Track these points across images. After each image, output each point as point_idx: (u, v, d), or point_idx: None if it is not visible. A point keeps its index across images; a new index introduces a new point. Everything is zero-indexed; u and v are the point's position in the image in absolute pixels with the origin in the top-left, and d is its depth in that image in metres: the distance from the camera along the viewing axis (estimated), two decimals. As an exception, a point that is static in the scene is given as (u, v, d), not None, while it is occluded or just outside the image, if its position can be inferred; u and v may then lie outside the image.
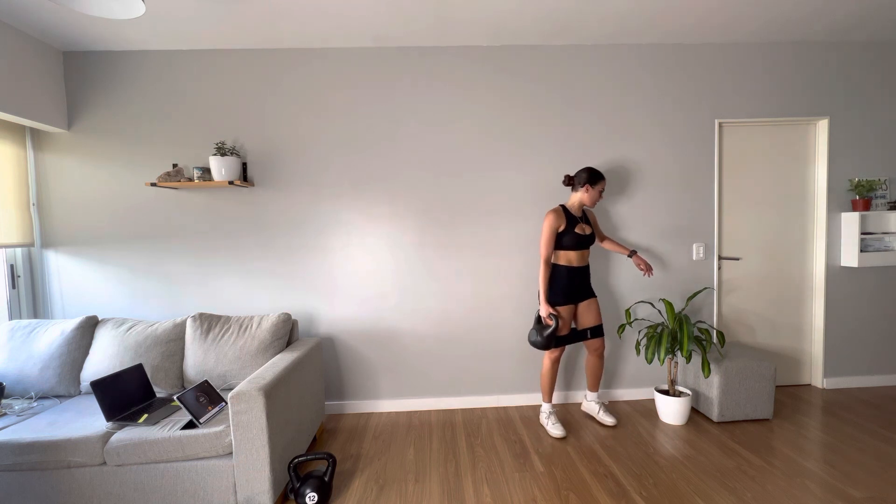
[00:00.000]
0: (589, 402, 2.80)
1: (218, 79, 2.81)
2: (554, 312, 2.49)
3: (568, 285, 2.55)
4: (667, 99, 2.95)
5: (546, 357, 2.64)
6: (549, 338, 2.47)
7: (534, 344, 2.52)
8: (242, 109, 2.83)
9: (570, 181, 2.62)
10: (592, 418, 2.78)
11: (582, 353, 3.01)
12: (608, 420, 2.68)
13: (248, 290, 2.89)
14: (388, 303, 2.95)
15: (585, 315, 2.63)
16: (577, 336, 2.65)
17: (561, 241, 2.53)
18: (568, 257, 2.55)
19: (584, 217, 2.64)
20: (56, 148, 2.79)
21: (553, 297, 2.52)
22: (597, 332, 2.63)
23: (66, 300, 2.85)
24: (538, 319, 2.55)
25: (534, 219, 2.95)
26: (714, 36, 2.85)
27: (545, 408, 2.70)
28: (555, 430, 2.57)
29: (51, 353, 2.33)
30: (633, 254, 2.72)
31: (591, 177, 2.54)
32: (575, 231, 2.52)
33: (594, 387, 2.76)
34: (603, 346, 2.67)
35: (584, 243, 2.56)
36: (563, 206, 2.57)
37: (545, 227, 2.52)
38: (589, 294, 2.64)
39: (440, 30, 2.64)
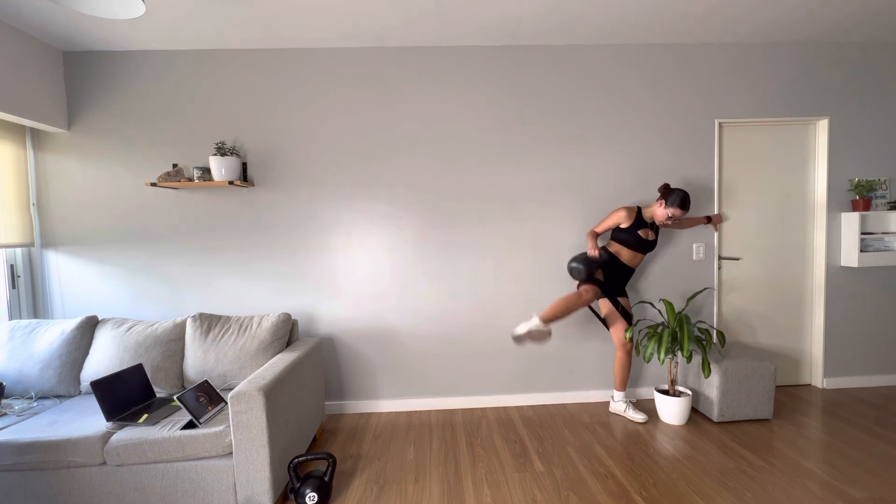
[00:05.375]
0: (616, 403, 2.82)
1: (218, 79, 2.81)
2: (601, 249, 2.62)
3: (606, 272, 2.65)
4: (667, 99, 2.95)
5: (579, 290, 2.59)
6: (592, 264, 2.55)
7: (574, 270, 2.59)
8: (242, 109, 2.83)
9: (663, 189, 2.60)
10: (621, 417, 2.79)
11: (589, 353, 3.02)
12: (638, 417, 2.71)
13: (249, 289, 2.89)
14: (387, 303, 2.95)
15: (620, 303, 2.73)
16: (610, 293, 2.67)
17: (619, 234, 2.64)
18: (618, 251, 2.66)
19: (654, 224, 2.67)
20: (56, 148, 2.79)
21: (594, 258, 2.60)
22: (627, 315, 2.70)
23: (66, 300, 2.85)
24: (582, 253, 2.65)
25: (533, 219, 2.95)
26: (714, 36, 2.85)
27: (536, 321, 2.52)
28: (527, 325, 2.52)
29: (51, 353, 2.33)
30: (709, 220, 2.93)
31: (671, 197, 2.54)
32: (637, 232, 2.60)
33: (622, 385, 2.79)
34: (631, 342, 2.72)
35: (639, 247, 2.62)
36: (638, 208, 2.65)
37: (610, 216, 2.64)
38: (622, 293, 2.74)
39: (440, 30, 2.64)
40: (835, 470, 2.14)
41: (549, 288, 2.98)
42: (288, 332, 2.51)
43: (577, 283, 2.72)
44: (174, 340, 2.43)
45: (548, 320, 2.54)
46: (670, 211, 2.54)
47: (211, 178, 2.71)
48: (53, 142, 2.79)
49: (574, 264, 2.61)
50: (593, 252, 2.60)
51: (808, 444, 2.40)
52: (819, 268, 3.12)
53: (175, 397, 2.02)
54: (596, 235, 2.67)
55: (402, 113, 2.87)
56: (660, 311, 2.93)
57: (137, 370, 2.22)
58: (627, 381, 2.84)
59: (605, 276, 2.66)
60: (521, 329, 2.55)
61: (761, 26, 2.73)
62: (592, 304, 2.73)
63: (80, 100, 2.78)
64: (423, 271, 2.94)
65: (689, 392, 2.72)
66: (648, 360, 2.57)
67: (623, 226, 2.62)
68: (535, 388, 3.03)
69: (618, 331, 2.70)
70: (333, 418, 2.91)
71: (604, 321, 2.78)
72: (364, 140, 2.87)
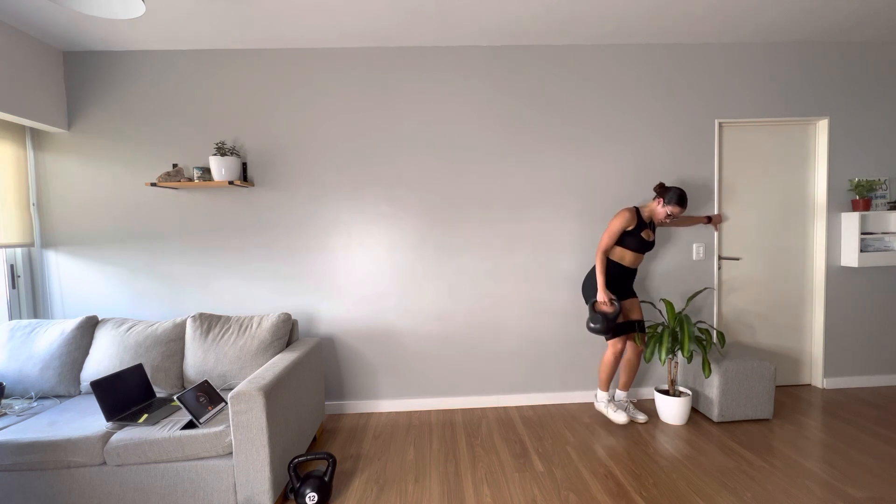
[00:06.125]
0: (614, 400, 2.81)
1: (218, 79, 2.81)
2: (613, 297, 2.55)
3: (611, 281, 2.62)
4: (667, 99, 2.95)
5: (610, 350, 2.65)
6: (612, 321, 2.52)
7: (595, 331, 2.55)
8: (242, 109, 2.83)
9: (659, 188, 2.61)
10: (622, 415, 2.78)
11: (590, 353, 3.02)
12: (639, 417, 2.71)
13: (249, 289, 2.89)
14: (387, 303, 2.95)
15: (630, 311, 2.70)
16: (628, 327, 2.67)
17: (624, 239, 2.59)
18: (622, 256, 2.62)
19: (652, 224, 2.67)
20: (56, 148, 2.79)
21: (610, 314, 2.55)
22: (642, 326, 2.69)
23: (66, 300, 2.85)
24: (593, 308, 2.59)
25: (533, 219, 2.95)
26: (714, 36, 2.85)
27: (602, 396, 2.75)
28: (617, 416, 2.66)
29: (51, 353, 2.33)
30: (709, 219, 2.94)
31: (668, 194, 2.55)
32: (640, 234, 2.58)
33: (626, 386, 2.79)
34: (644, 345, 2.69)
35: (643, 248, 2.61)
36: (637, 208, 2.61)
37: (615, 223, 2.56)
38: (631, 294, 2.71)
39: (440, 30, 2.64)
40: (835, 470, 2.14)
41: (549, 288, 2.98)
42: (288, 332, 2.51)
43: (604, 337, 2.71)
44: (174, 340, 2.43)
45: (605, 386, 2.73)
46: (669, 209, 2.55)
47: (211, 178, 2.71)
48: (53, 142, 2.79)
49: (593, 325, 2.54)
50: (603, 298, 2.53)
51: (808, 444, 2.40)
52: (819, 268, 3.12)
53: (175, 397, 2.02)
54: (606, 255, 2.59)
55: (402, 113, 2.87)
56: (660, 312, 2.93)
57: (137, 370, 2.22)
58: (632, 382, 2.83)
59: (612, 282, 2.62)
60: (602, 411, 2.76)
61: (761, 26, 2.73)
62: (608, 317, 2.58)
63: (80, 100, 2.78)
64: (423, 271, 2.94)
65: (689, 392, 2.72)
66: (649, 360, 2.57)
67: (629, 228, 2.57)
68: (535, 388, 3.03)
69: (630, 337, 2.72)
70: (333, 418, 2.91)
71: (628, 328, 2.74)
72: (364, 140, 2.87)
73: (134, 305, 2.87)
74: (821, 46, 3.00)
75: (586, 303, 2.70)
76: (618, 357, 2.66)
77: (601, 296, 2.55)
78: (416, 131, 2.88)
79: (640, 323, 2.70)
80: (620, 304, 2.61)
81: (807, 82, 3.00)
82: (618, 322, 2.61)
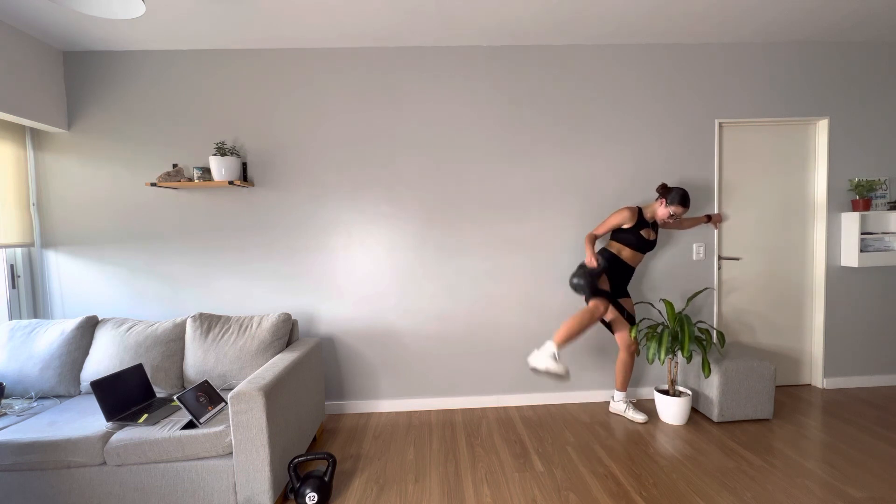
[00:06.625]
0: (616, 402, 2.82)
1: (218, 79, 2.81)
2: (600, 257, 2.57)
3: (608, 269, 2.63)
4: (667, 98, 2.95)
5: (591, 306, 2.54)
6: (593, 276, 2.52)
7: (576, 286, 2.56)
8: (242, 109, 2.83)
9: (661, 188, 2.62)
10: (621, 417, 2.78)
11: (589, 353, 3.02)
12: (638, 417, 2.70)
13: (249, 289, 2.89)
14: (387, 303, 2.95)
15: (623, 303, 2.71)
16: (615, 304, 2.65)
17: (621, 234, 2.62)
18: (620, 250, 2.65)
19: (654, 224, 2.68)
20: (56, 148, 2.79)
21: (593, 269, 2.56)
22: (632, 319, 2.69)
23: (66, 300, 2.85)
24: (581, 266, 2.60)
25: (533, 218, 2.95)
26: (714, 36, 2.85)
27: (552, 347, 2.50)
28: (558, 367, 2.44)
29: (51, 353, 2.33)
30: (709, 218, 2.91)
31: (671, 195, 2.56)
32: (640, 232, 2.59)
33: (623, 386, 2.78)
34: (636, 344, 2.70)
35: (641, 246, 2.62)
36: (639, 208, 2.63)
37: (611, 218, 2.61)
38: (625, 294, 2.73)
39: (440, 30, 2.64)
40: (835, 470, 2.14)
41: (549, 288, 2.98)
42: (288, 332, 2.51)
43: (584, 297, 2.66)
44: (174, 340, 2.43)
45: (562, 343, 2.50)
46: (671, 209, 2.55)
47: (211, 178, 2.71)
48: (53, 142, 2.79)
49: (575, 280, 2.56)
50: (591, 261, 2.56)
51: (808, 444, 2.40)
52: (819, 268, 3.12)
53: (175, 397, 2.02)
54: (595, 239, 2.63)
55: (402, 113, 2.87)
56: (660, 312, 2.93)
57: (137, 370, 2.22)
58: (629, 381, 2.83)
59: (609, 270, 2.63)
60: (540, 364, 2.49)
61: (761, 26, 2.73)
62: (591, 272, 2.56)
63: (80, 100, 2.78)
64: (422, 271, 2.94)
65: (689, 392, 2.72)
66: (652, 362, 2.56)
67: (626, 226, 2.60)
68: (535, 388, 3.03)
69: (622, 334, 2.70)
70: (333, 418, 2.91)
71: (608, 326, 2.77)
72: (364, 140, 2.87)
73: (134, 305, 2.87)
74: (821, 46, 3.00)
75: None
76: (593, 318, 2.52)
77: (588, 258, 2.56)
78: (416, 131, 2.88)
79: (631, 315, 2.69)
80: (615, 302, 2.62)
81: (807, 82, 3.00)
82: (602, 287, 2.60)
